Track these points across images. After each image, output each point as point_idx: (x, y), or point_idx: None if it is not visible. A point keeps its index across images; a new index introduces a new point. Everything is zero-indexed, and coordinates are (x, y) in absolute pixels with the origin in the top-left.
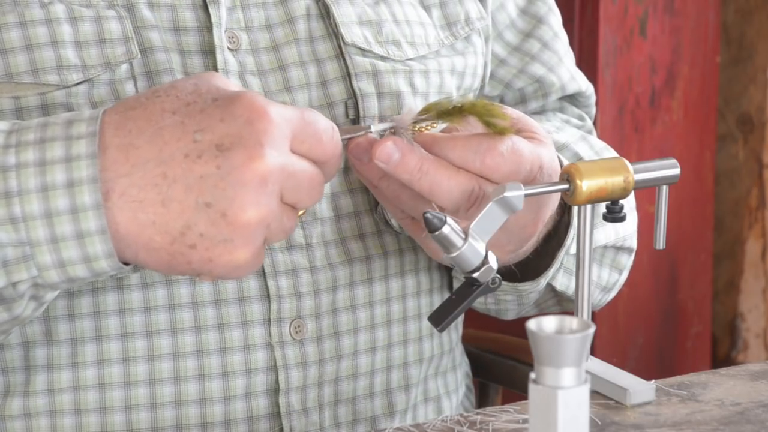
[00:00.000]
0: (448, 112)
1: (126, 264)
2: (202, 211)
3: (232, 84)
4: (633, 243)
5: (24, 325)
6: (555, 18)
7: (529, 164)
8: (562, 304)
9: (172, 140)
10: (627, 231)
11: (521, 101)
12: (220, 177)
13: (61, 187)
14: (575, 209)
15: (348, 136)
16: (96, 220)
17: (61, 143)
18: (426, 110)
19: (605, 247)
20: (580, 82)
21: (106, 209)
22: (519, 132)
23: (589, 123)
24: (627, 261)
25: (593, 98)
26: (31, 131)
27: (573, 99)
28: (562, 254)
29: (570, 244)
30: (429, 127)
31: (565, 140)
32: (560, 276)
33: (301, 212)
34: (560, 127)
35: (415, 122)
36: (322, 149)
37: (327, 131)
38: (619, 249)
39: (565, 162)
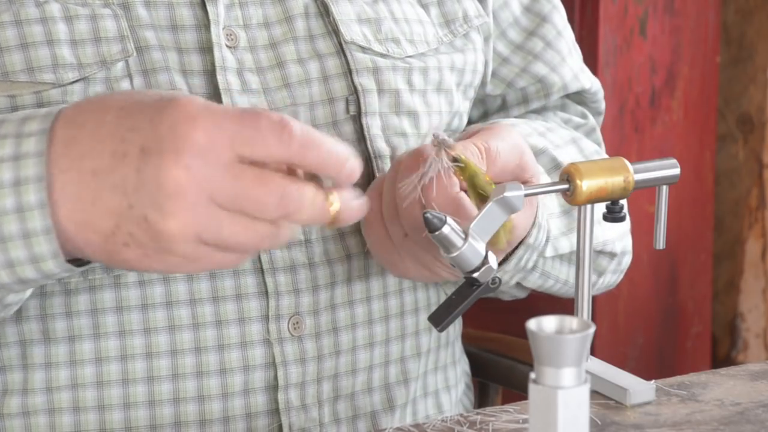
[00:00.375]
0: (474, 186)
1: (76, 263)
2: (126, 212)
3: (203, 103)
4: (615, 248)
5: (21, 323)
6: (559, 15)
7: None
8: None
9: (107, 137)
10: (606, 236)
11: (523, 101)
12: (140, 181)
13: (8, 186)
14: (542, 211)
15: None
16: (41, 219)
17: (12, 140)
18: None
19: None
20: (583, 81)
21: (50, 207)
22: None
23: (592, 121)
24: (608, 264)
25: (600, 94)
26: None
27: (577, 96)
28: (520, 252)
29: (538, 245)
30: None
31: (544, 145)
32: (534, 277)
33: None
34: (551, 128)
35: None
36: (266, 150)
37: (273, 128)
38: (599, 252)
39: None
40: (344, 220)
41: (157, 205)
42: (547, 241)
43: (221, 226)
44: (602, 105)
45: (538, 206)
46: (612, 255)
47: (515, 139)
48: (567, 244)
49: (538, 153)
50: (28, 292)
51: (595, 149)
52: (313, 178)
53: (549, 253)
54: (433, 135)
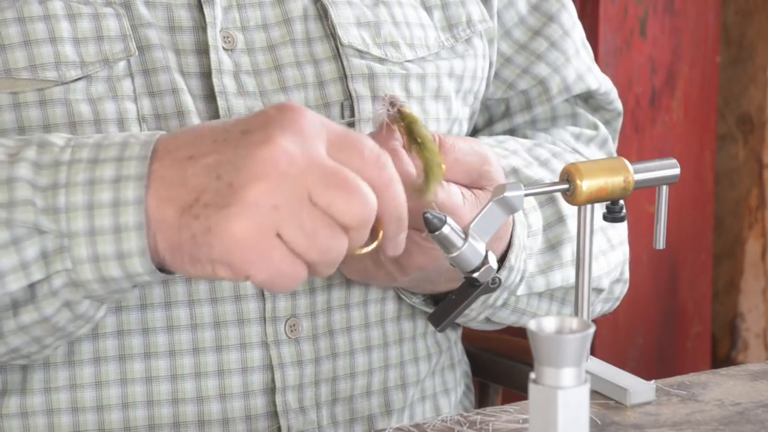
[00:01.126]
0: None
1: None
2: (213, 184)
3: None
4: (602, 284)
5: (70, 341)
6: (568, 15)
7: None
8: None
9: (207, 130)
10: (594, 272)
11: (527, 107)
12: (236, 153)
13: (108, 182)
14: (518, 252)
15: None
16: (135, 215)
17: (116, 147)
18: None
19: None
20: (590, 81)
21: (145, 203)
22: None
23: (603, 131)
24: (595, 298)
25: (613, 93)
26: (90, 142)
27: (588, 101)
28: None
29: (509, 285)
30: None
31: (516, 164)
32: (505, 314)
33: (358, 247)
34: (555, 155)
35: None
36: (361, 162)
37: (372, 149)
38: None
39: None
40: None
41: (246, 170)
42: (521, 280)
43: (298, 208)
44: (618, 105)
45: (512, 245)
46: (599, 291)
47: (481, 147)
48: (543, 283)
49: (509, 173)
50: (102, 311)
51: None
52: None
53: (521, 291)
54: (384, 95)
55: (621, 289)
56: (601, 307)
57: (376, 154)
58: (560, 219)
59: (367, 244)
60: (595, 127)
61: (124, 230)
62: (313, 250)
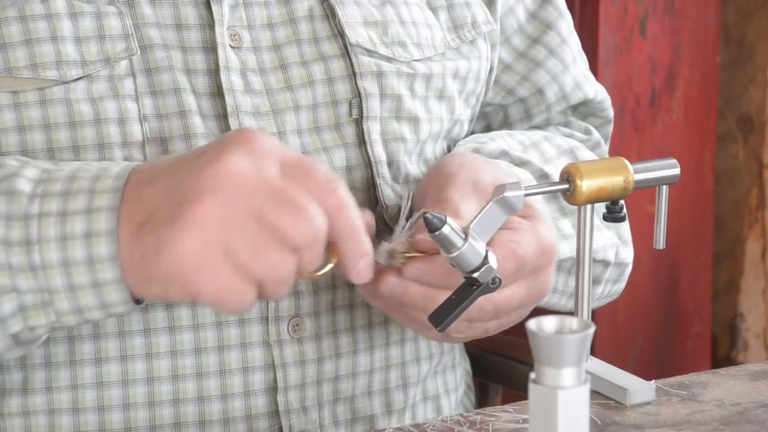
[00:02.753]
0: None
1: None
2: (165, 203)
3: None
4: (608, 256)
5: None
6: (565, 23)
7: (523, 258)
8: None
9: (170, 159)
10: (597, 243)
11: (526, 116)
12: (189, 173)
13: (80, 237)
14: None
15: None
16: (112, 270)
17: (85, 195)
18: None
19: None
20: (587, 90)
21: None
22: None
23: (596, 136)
24: (603, 272)
25: (607, 102)
26: (59, 182)
27: (579, 108)
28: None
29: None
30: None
31: (528, 158)
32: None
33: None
34: (548, 137)
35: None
36: (313, 185)
37: (325, 173)
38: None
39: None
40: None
41: (195, 186)
42: None
43: (246, 225)
44: (610, 112)
45: None
46: (605, 263)
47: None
48: (567, 249)
49: (522, 164)
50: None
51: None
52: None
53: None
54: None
55: (628, 271)
56: (610, 288)
57: (328, 177)
58: (553, 196)
59: (321, 268)
60: (587, 132)
61: (104, 285)
62: (259, 268)
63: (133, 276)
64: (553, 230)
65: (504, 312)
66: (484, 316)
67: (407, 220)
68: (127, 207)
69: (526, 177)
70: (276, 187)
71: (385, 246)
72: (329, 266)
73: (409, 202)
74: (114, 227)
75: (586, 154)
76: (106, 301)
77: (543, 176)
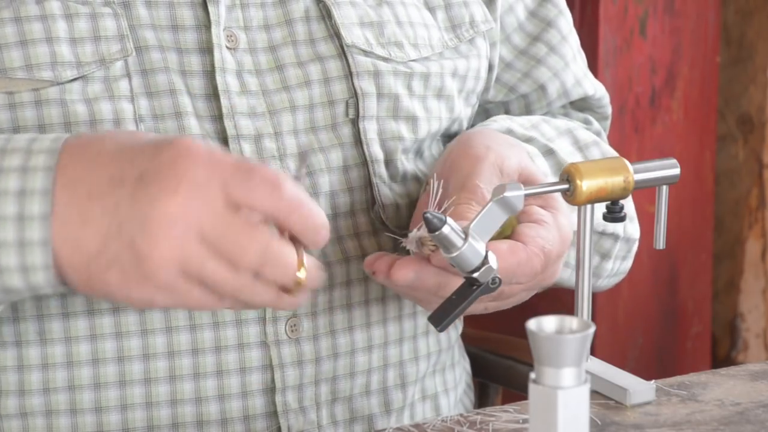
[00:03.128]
0: None
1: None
2: (115, 234)
3: (204, 145)
4: (617, 229)
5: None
6: (565, 20)
7: (545, 253)
8: None
9: (106, 164)
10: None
11: (526, 111)
12: (133, 206)
13: (13, 194)
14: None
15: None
16: (41, 230)
17: (20, 154)
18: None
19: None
20: (587, 87)
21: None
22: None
23: (596, 126)
24: (612, 247)
25: (605, 99)
26: None
27: (580, 104)
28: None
29: None
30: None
31: (532, 135)
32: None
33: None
34: (546, 119)
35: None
36: (255, 200)
37: (266, 183)
38: (600, 234)
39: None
40: (302, 291)
41: (145, 231)
42: None
43: (204, 262)
44: (608, 110)
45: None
46: (615, 237)
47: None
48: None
49: (527, 140)
50: None
51: (593, 139)
52: (294, 242)
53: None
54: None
55: (635, 248)
56: (619, 265)
57: (272, 182)
58: (549, 151)
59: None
60: (587, 122)
61: (29, 245)
62: (217, 286)
63: (87, 282)
64: (570, 219)
65: (506, 296)
66: (486, 297)
67: (439, 208)
68: (72, 223)
69: (533, 152)
70: (222, 221)
71: (415, 234)
72: (302, 274)
73: (440, 190)
74: (48, 185)
75: (584, 135)
76: (26, 263)
77: (548, 152)
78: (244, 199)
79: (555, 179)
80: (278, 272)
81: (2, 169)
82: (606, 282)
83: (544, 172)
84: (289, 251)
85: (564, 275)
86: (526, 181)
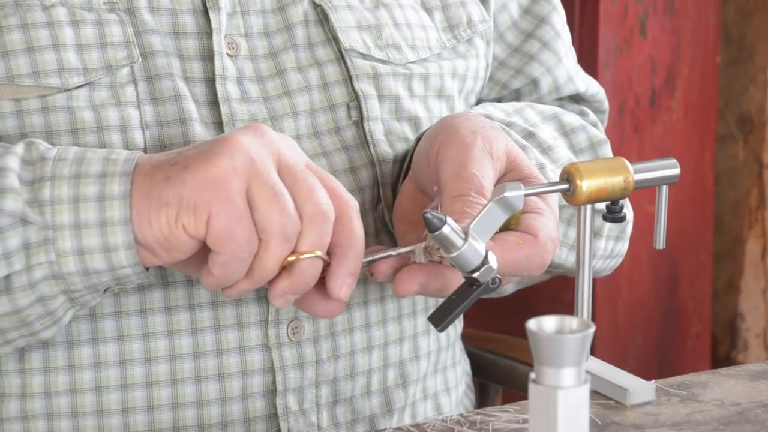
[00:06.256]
0: None
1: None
2: (190, 150)
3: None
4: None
5: (33, 343)
6: (558, 17)
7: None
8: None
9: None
10: None
11: (517, 100)
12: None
13: (94, 176)
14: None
15: (370, 258)
16: (121, 209)
17: (102, 152)
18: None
19: None
20: (578, 83)
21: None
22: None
23: (592, 116)
24: (603, 224)
25: (600, 95)
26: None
27: (575, 97)
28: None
29: None
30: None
31: (513, 120)
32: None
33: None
34: (531, 105)
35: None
36: (332, 190)
37: (315, 185)
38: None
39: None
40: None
41: (211, 146)
42: None
43: (267, 179)
44: (604, 104)
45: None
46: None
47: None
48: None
49: (506, 125)
50: (69, 315)
51: (580, 124)
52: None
53: None
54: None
55: (629, 228)
56: (613, 245)
57: (318, 190)
58: (530, 134)
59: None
60: (583, 114)
61: (110, 224)
62: (268, 218)
63: (146, 207)
64: (555, 200)
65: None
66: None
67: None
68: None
69: (513, 137)
70: (299, 167)
71: (420, 245)
72: (317, 253)
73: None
74: (129, 170)
75: (570, 119)
76: (108, 243)
77: (529, 135)
78: (294, 168)
79: (541, 161)
80: (324, 230)
81: (84, 159)
82: (603, 264)
83: (535, 157)
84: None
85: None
86: (513, 163)
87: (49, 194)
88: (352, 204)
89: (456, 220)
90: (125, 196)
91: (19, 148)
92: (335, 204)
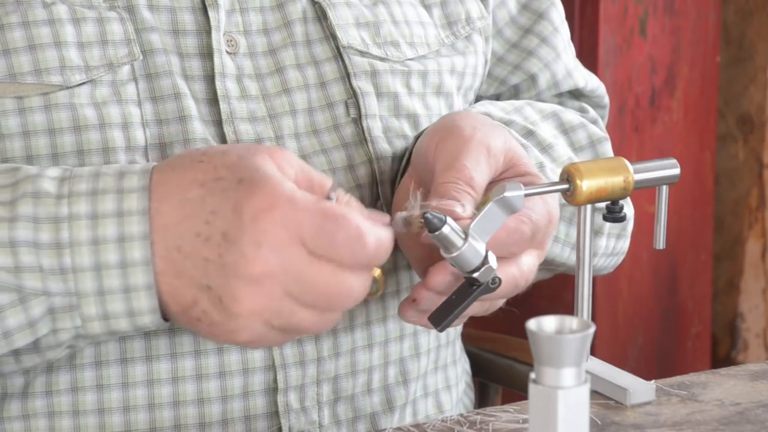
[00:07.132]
0: None
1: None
2: (205, 291)
3: (270, 165)
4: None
5: None
6: (557, 12)
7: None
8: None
9: (190, 215)
10: None
11: (515, 96)
12: (221, 265)
13: (112, 241)
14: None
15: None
16: (144, 275)
17: (113, 196)
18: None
19: None
20: (577, 79)
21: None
22: (514, 176)
23: (592, 113)
24: (604, 223)
25: (600, 90)
26: (83, 181)
27: (575, 93)
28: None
29: None
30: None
31: (512, 119)
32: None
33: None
34: (530, 103)
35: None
36: (338, 257)
37: (349, 241)
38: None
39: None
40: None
41: (232, 290)
42: None
43: (292, 314)
44: (605, 99)
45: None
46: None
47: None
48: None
49: (506, 123)
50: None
51: (579, 122)
52: None
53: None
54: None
55: (630, 227)
56: (614, 243)
57: (353, 242)
58: (530, 133)
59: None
60: (582, 110)
61: (134, 290)
62: (306, 331)
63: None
64: (556, 200)
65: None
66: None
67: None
68: (171, 260)
69: (513, 136)
70: (308, 281)
71: (401, 215)
72: (377, 272)
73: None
74: (147, 229)
75: (570, 116)
76: (133, 308)
77: (529, 133)
78: (328, 254)
79: (540, 159)
80: (361, 298)
81: (98, 213)
82: (604, 262)
83: (535, 156)
84: (369, 280)
85: (555, 250)
86: (512, 161)
87: (70, 263)
88: (367, 249)
89: (440, 205)
90: (147, 262)
91: (28, 207)
92: (355, 260)
